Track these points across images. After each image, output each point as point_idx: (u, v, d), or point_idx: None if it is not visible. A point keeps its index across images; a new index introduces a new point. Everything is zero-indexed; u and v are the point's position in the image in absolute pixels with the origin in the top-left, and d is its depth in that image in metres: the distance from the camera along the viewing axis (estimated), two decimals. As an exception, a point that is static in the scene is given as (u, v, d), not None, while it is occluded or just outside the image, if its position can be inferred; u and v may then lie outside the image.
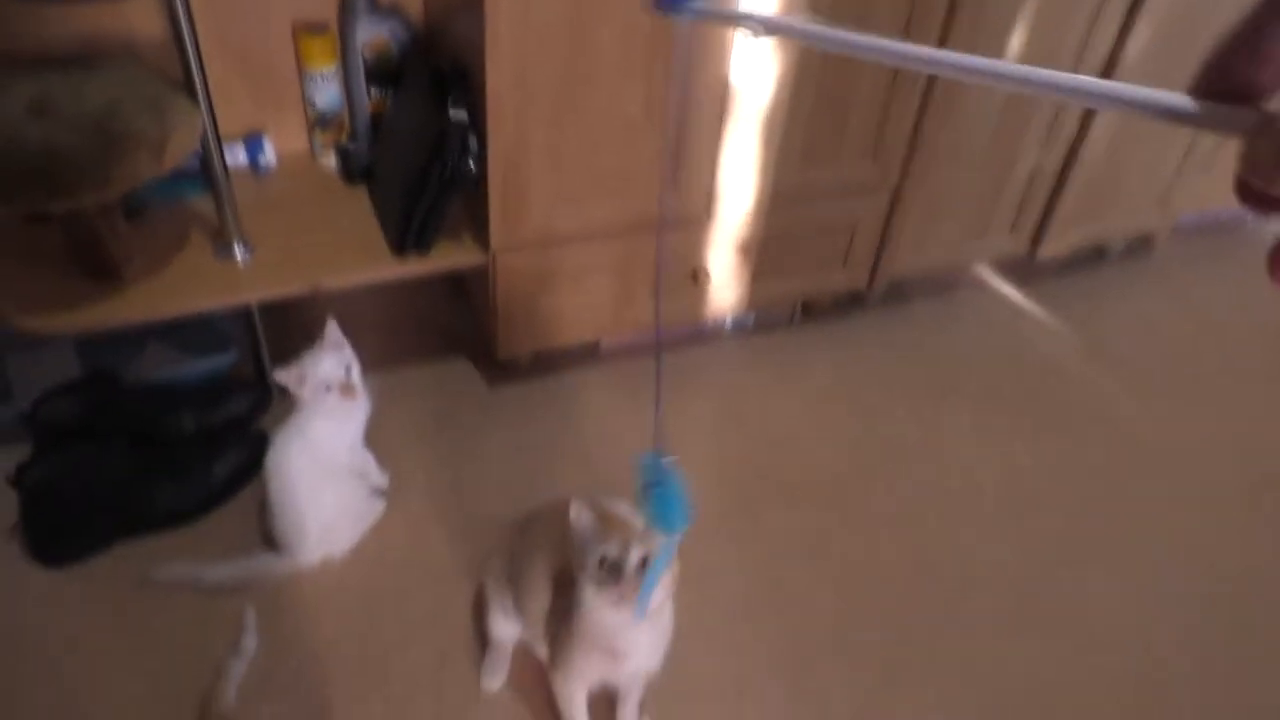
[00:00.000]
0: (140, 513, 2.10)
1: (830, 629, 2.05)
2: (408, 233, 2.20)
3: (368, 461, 2.18)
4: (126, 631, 1.95)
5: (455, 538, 2.16)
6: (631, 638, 1.51)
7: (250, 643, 1.92)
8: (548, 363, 2.52)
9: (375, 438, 2.23)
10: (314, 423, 1.96)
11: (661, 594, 1.42)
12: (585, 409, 2.43)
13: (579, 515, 1.44)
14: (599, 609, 1.42)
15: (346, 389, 1.89)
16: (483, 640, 1.95)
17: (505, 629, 1.88)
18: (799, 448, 2.40)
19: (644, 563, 1.36)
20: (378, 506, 2.19)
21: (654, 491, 1.31)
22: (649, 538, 1.38)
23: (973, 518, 2.27)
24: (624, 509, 1.66)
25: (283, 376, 1.94)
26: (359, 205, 2.38)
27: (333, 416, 1.97)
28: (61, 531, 2.06)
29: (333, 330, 1.93)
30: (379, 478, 2.22)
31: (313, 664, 1.92)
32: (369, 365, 2.40)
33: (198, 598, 2.02)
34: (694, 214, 2.40)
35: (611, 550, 1.39)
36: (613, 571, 1.37)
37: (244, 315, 2.41)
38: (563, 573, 1.64)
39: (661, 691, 1.89)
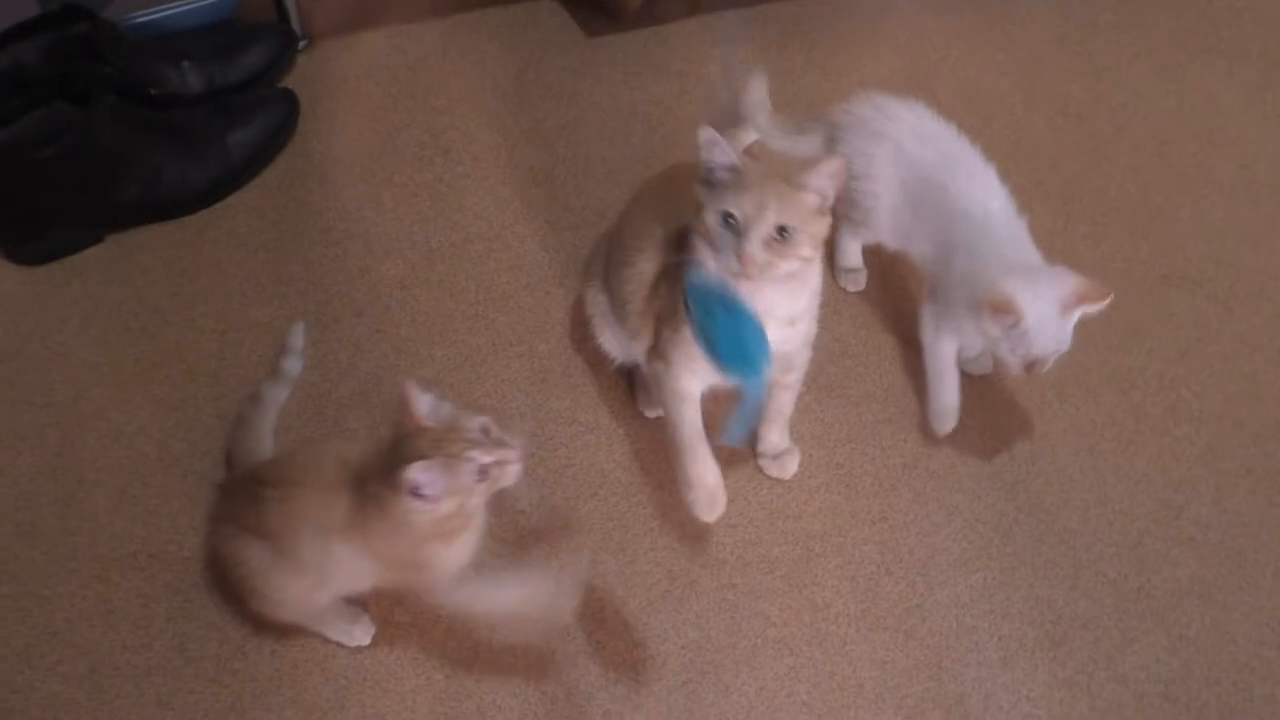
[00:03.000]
0: (137, 193, 1.91)
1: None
2: None
3: None
4: (130, 348, 1.81)
5: (548, 232, 1.97)
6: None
7: (294, 366, 1.75)
8: (664, 6, 2.29)
9: (442, 104, 2.09)
10: None
11: (796, 261, 1.32)
12: (709, 66, 2.21)
13: (711, 143, 1.30)
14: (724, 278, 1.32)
15: None
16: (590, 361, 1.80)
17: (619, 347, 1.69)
18: (1004, 118, 2.19)
19: (781, 233, 1.27)
20: None
21: (718, 323, 1.28)
22: (790, 206, 1.28)
23: (1244, 216, 2.05)
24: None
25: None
26: None
27: None
28: (35, 216, 1.88)
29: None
30: None
31: (374, 388, 1.77)
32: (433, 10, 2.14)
33: (220, 305, 1.85)
34: None
35: (742, 206, 1.27)
36: (736, 234, 1.28)
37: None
38: (676, 236, 1.45)
39: (829, 424, 1.72)
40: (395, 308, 1.86)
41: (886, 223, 1.72)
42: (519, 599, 1.40)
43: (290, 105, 2.06)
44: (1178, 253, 1.98)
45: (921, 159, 1.66)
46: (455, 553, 1.34)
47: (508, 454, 1.26)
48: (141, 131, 1.90)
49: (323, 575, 1.36)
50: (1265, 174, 2.11)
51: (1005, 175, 1.98)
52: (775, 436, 1.66)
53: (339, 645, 1.51)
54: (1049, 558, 1.63)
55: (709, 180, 1.33)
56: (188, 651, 1.52)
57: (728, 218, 1.29)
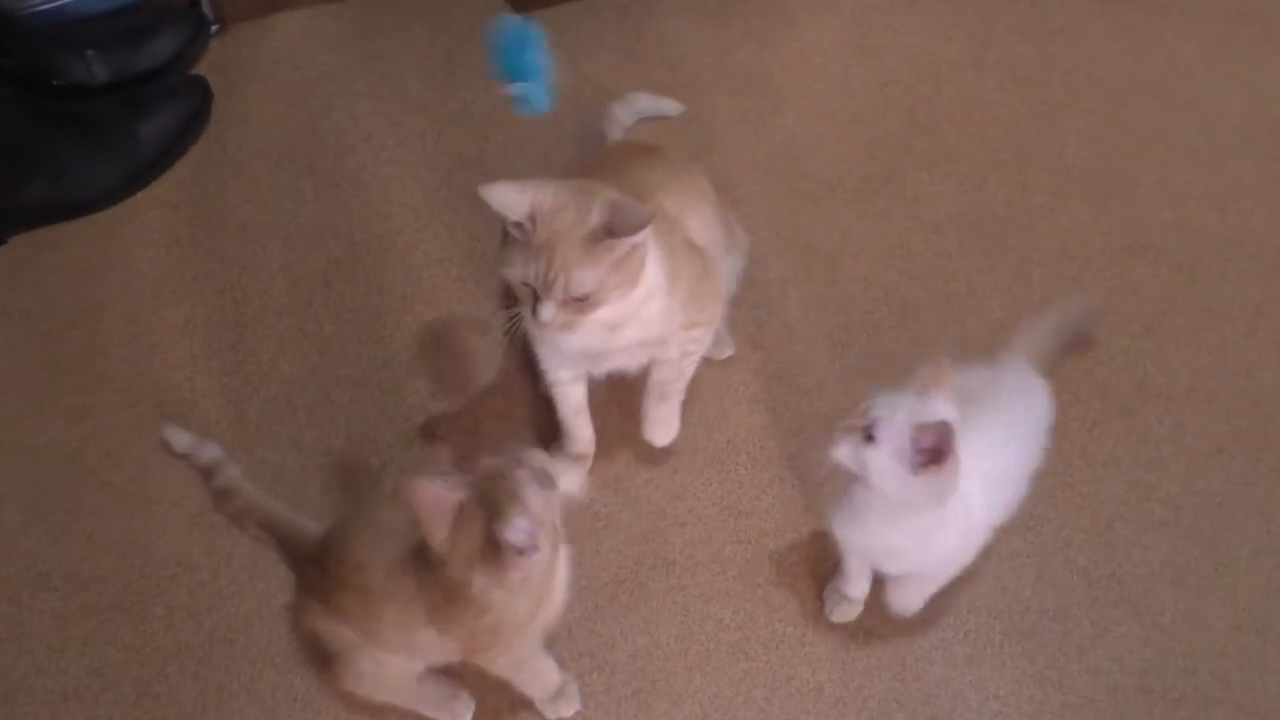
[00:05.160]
0: (42, 191, 1.88)
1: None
2: None
3: None
4: (38, 355, 1.78)
5: (479, 221, 1.90)
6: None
7: (211, 450, 1.65)
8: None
9: (364, 88, 2.06)
10: None
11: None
12: (649, 39, 2.17)
13: (498, 200, 1.27)
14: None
15: None
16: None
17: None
18: (953, 84, 2.13)
19: (578, 297, 1.26)
20: None
21: (509, 61, 1.35)
22: (587, 269, 1.24)
23: (1208, 181, 2.00)
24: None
25: None
26: None
27: None
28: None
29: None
30: None
31: (298, 391, 1.73)
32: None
33: (132, 306, 1.81)
34: None
35: (529, 273, 1.26)
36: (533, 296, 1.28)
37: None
38: None
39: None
40: (318, 304, 1.83)
41: None
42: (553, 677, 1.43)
43: (203, 94, 2.02)
44: (1139, 222, 1.94)
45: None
46: (553, 606, 1.30)
47: (532, 452, 1.20)
48: (45, 126, 1.88)
49: (411, 654, 1.34)
50: (1228, 136, 2.06)
51: (952, 156, 2.01)
52: (654, 411, 1.60)
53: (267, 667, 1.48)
54: (1014, 546, 1.59)
55: (506, 233, 1.30)
56: (105, 676, 1.49)
57: (523, 279, 1.26)
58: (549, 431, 1.65)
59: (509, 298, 1.58)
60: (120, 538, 1.59)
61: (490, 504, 1.14)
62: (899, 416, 1.22)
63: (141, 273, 1.85)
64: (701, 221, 1.48)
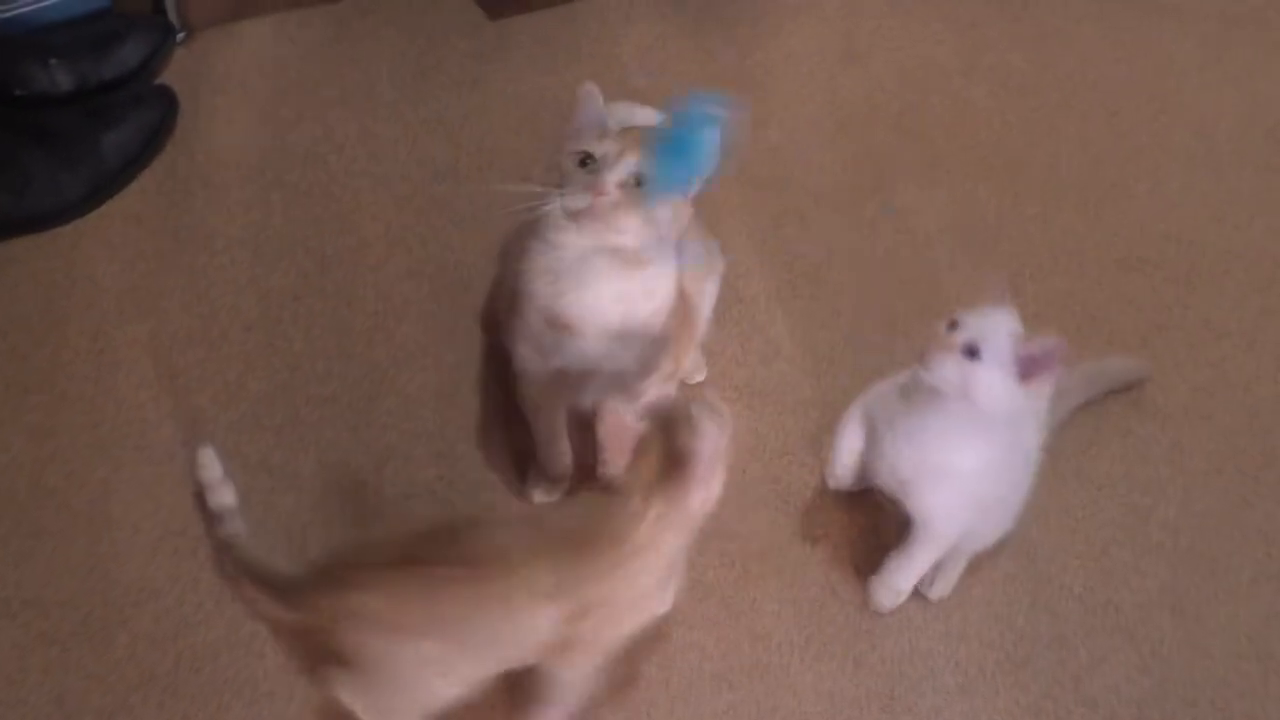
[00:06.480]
0: (4, 203, 1.85)
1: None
2: None
3: None
4: (0, 380, 1.72)
5: (452, 233, 1.89)
6: (576, 293, 1.32)
7: (226, 497, 1.46)
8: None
9: (335, 97, 2.04)
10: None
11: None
12: (626, 47, 2.16)
13: (589, 96, 1.33)
14: (556, 228, 1.31)
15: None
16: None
17: None
18: (942, 90, 2.12)
19: (636, 182, 1.27)
20: None
21: (671, 135, 1.28)
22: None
23: (1204, 189, 1.99)
24: None
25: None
26: None
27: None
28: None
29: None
30: None
31: (266, 410, 1.70)
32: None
33: (96, 322, 1.76)
34: None
35: (603, 147, 1.27)
36: (591, 173, 1.27)
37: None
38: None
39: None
40: (288, 320, 1.78)
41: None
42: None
43: (168, 103, 1.99)
44: (1134, 232, 1.92)
45: None
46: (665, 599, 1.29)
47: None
48: (7, 136, 1.85)
49: (494, 654, 1.27)
50: (1225, 142, 2.05)
51: (941, 165, 1.99)
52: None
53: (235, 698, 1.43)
54: (1007, 571, 1.56)
55: (576, 128, 1.34)
56: (66, 707, 1.44)
57: (586, 159, 1.28)
58: (526, 455, 1.62)
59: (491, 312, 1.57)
60: (83, 562, 1.55)
61: (672, 426, 1.15)
62: (1001, 330, 1.22)
63: (105, 287, 1.81)
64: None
